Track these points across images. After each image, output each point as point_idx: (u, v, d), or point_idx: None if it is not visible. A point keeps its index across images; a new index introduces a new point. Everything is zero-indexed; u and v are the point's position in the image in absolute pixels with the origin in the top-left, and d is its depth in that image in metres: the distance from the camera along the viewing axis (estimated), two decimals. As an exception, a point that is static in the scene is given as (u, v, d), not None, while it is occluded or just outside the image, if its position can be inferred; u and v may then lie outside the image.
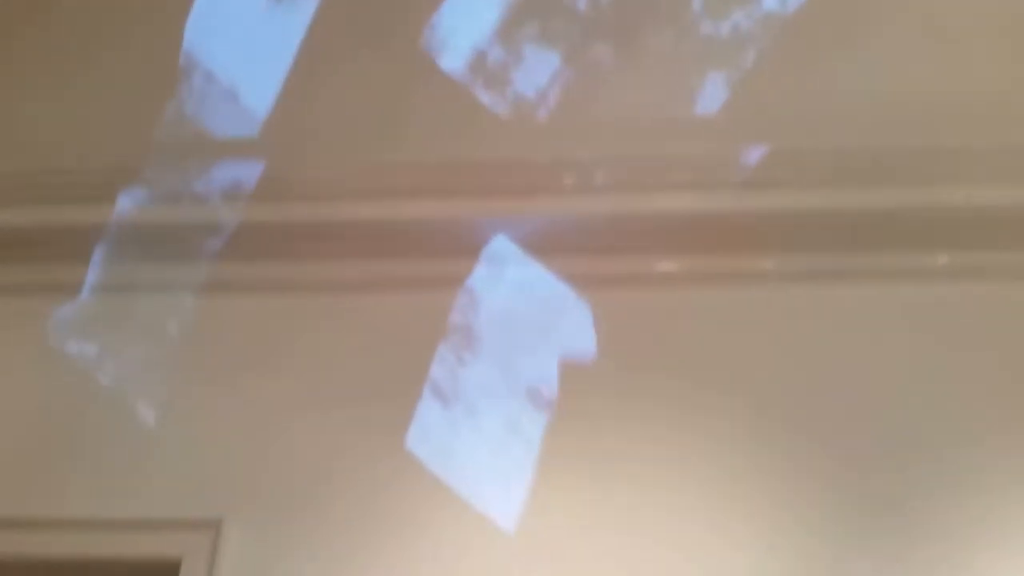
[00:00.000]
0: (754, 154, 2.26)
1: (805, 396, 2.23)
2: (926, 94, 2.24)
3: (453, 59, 2.38)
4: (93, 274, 2.46)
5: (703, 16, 2.35)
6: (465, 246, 2.37)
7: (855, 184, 2.24)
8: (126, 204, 2.46)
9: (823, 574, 2.05)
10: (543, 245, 2.37)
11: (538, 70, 2.35)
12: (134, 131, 2.53)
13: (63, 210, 2.46)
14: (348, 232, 2.39)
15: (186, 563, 2.16)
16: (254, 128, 2.46)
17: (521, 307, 2.37)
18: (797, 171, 2.25)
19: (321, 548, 2.17)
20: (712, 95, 2.32)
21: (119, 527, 2.20)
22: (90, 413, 2.34)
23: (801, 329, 2.30)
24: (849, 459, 2.15)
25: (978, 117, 2.21)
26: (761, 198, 2.27)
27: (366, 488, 2.22)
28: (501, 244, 2.37)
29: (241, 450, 2.28)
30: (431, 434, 2.26)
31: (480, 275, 2.39)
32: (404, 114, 2.39)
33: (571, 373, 2.30)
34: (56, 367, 2.40)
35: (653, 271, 2.38)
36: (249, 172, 2.41)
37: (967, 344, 2.25)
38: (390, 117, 2.40)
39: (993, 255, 2.29)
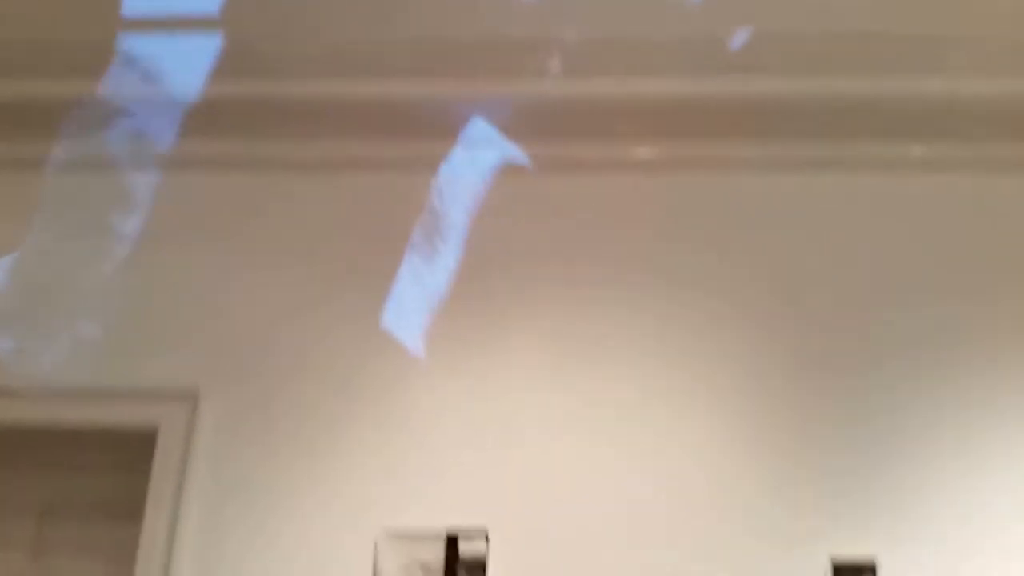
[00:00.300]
0: (737, 38, 2.24)
1: (775, 283, 2.25)
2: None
3: (434, -66, 2.33)
4: (67, 148, 2.44)
5: None
6: (443, 127, 2.35)
7: (836, 71, 2.23)
8: (100, 79, 2.42)
9: (787, 437, 2.11)
10: (523, 128, 2.35)
11: (521, -52, 2.30)
12: (104, 4, 2.47)
13: (37, 84, 2.42)
14: (327, 110, 2.37)
15: (163, 433, 2.20)
16: (224, 1, 2.40)
17: (498, 190, 2.37)
18: (779, 56, 2.23)
19: (298, 421, 2.21)
20: (697, -22, 2.29)
21: (95, 396, 2.23)
22: (67, 282, 2.34)
23: (775, 217, 2.31)
24: (818, 344, 2.19)
25: (960, 7, 2.18)
26: (742, 83, 2.26)
27: (342, 363, 2.25)
28: (480, 126, 2.35)
29: (219, 323, 2.30)
30: (406, 313, 2.29)
31: (458, 157, 2.38)
32: (384, -10, 2.34)
33: (545, 258, 2.31)
34: (35, 237, 2.40)
35: (632, 157, 2.38)
36: (221, 47, 2.36)
37: (940, 235, 2.27)
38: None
39: (969, 147, 2.30)
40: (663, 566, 2.03)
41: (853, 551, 2.02)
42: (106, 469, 2.28)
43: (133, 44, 2.41)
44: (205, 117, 2.39)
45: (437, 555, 2.05)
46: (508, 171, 2.37)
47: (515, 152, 2.36)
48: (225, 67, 2.35)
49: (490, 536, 2.06)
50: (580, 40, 2.28)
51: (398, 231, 2.35)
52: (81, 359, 2.27)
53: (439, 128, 2.35)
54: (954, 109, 2.25)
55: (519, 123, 2.34)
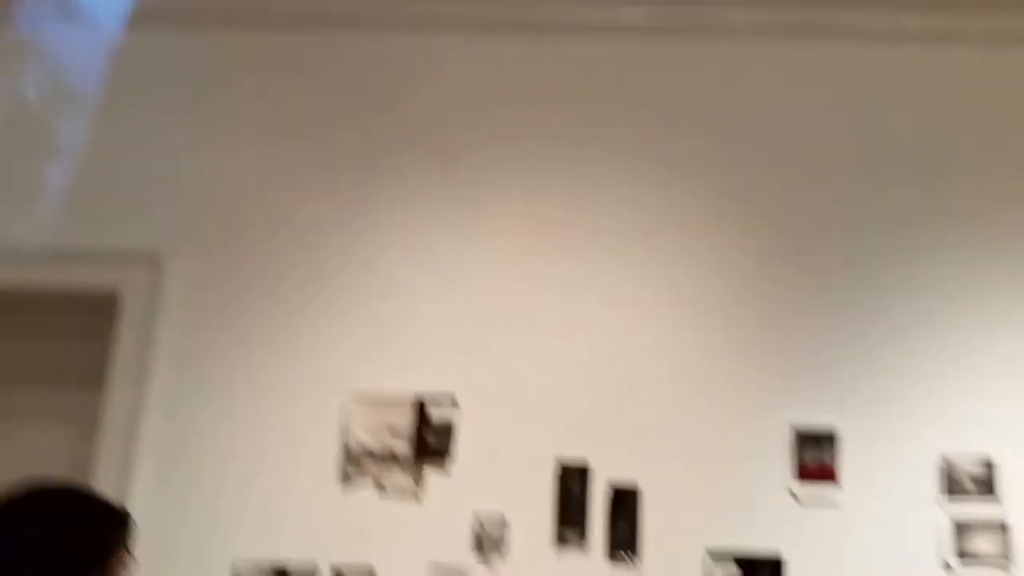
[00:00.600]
0: None
1: (754, 157, 2.21)
2: None
3: None
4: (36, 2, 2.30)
5: None
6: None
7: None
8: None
9: (754, 312, 2.12)
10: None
11: None
12: None
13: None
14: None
15: (126, 297, 2.16)
16: None
17: (472, 50, 2.28)
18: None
19: (267, 286, 2.17)
20: None
21: (55, 258, 2.17)
22: (27, 139, 2.26)
23: (764, 85, 2.26)
24: (791, 222, 2.17)
25: None
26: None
27: (315, 227, 2.20)
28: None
29: (184, 185, 2.24)
30: (378, 175, 2.22)
31: (432, 14, 2.27)
32: None
33: (523, 135, 2.24)
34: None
35: (620, 21, 2.28)
36: None
37: (928, 109, 2.22)
38: None
39: (961, 19, 2.23)
40: (629, 432, 2.05)
41: (814, 420, 2.04)
42: (70, 335, 2.24)
43: None
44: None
45: (406, 419, 2.06)
46: (486, 37, 2.27)
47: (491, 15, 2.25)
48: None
49: (458, 401, 2.07)
50: None
51: (369, 90, 2.27)
52: (41, 221, 2.20)
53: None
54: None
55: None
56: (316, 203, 2.21)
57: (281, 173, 2.23)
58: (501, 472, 2.03)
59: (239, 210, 2.22)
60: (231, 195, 2.23)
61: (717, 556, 1.97)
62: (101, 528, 1.18)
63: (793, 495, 2.00)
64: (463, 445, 2.04)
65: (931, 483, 2.00)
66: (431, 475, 2.03)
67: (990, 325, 2.09)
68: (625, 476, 2.02)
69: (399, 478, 2.03)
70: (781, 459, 2.02)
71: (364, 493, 2.03)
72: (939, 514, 1.98)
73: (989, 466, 2.00)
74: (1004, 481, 1.99)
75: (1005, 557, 1.95)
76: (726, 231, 2.17)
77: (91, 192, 2.23)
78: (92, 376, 2.13)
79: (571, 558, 1.98)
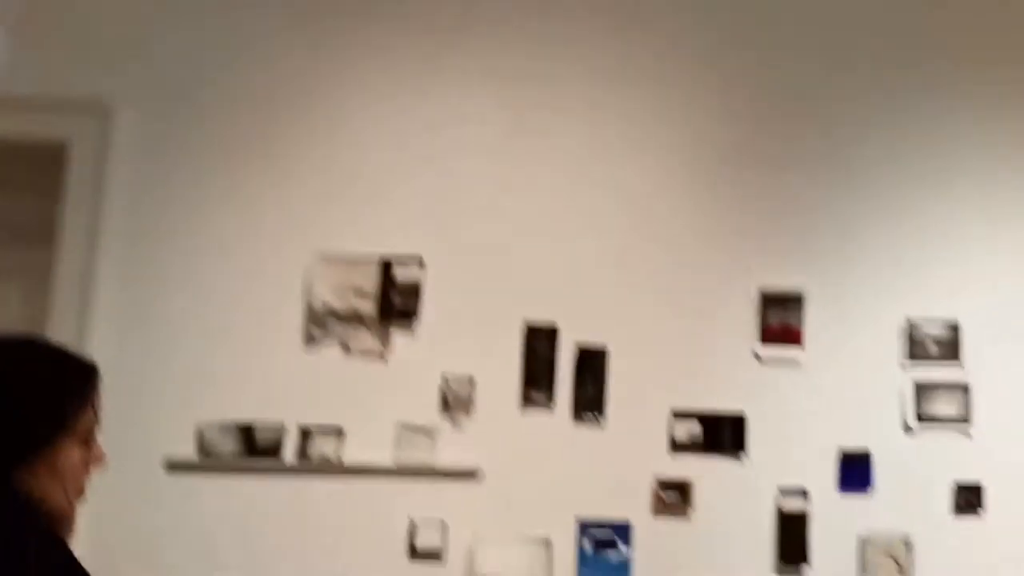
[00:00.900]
0: None
1: (720, 28, 2.12)
2: None
3: None
4: None
5: None
6: None
7: None
8: None
9: (721, 178, 2.08)
10: None
11: None
12: None
13: None
14: None
15: (74, 146, 2.05)
16: None
17: None
18: None
19: (224, 137, 2.08)
20: None
21: (-1, 105, 2.05)
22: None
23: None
24: (757, 92, 2.11)
25: None
26: None
27: (269, 80, 2.10)
28: None
29: (133, 31, 2.11)
30: (341, 23, 2.09)
31: None
32: None
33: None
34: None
35: None
36: None
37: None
38: None
39: None
40: (597, 294, 2.04)
41: (780, 282, 2.04)
42: (17, 189, 2.15)
43: None
44: None
45: (372, 280, 2.01)
46: None
47: None
48: None
49: (425, 262, 2.02)
50: None
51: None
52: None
53: None
54: None
55: None
56: (276, 53, 2.10)
57: (239, 18, 2.11)
58: (468, 333, 2.01)
59: (193, 56, 2.11)
60: (184, 40, 2.11)
61: (681, 415, 1.99)
62: (69, 381, 1.13)
63: (757, 356, 2.01)
64: (430, 306, 2.01)
65: (895, 346, 2.02)
66: (397, 336, 2.01)
67: (961, 190, 2.08)
68: (593, 338, 2.02)
69: (365, 339, 2.00)
70: (747, 321, 2.03)
71: (330, 354, 2.00)
72: (901, 376, 2.01)
73: (953, 330, 2.02)
74: (967, 345, 2.02)
75: (965, 420, 2.00)
76: (696, 93, 2.11)
77: (33, 37, 2.09)
78: (43, 231, 2.04)
79: (538, 417, 1.99)
